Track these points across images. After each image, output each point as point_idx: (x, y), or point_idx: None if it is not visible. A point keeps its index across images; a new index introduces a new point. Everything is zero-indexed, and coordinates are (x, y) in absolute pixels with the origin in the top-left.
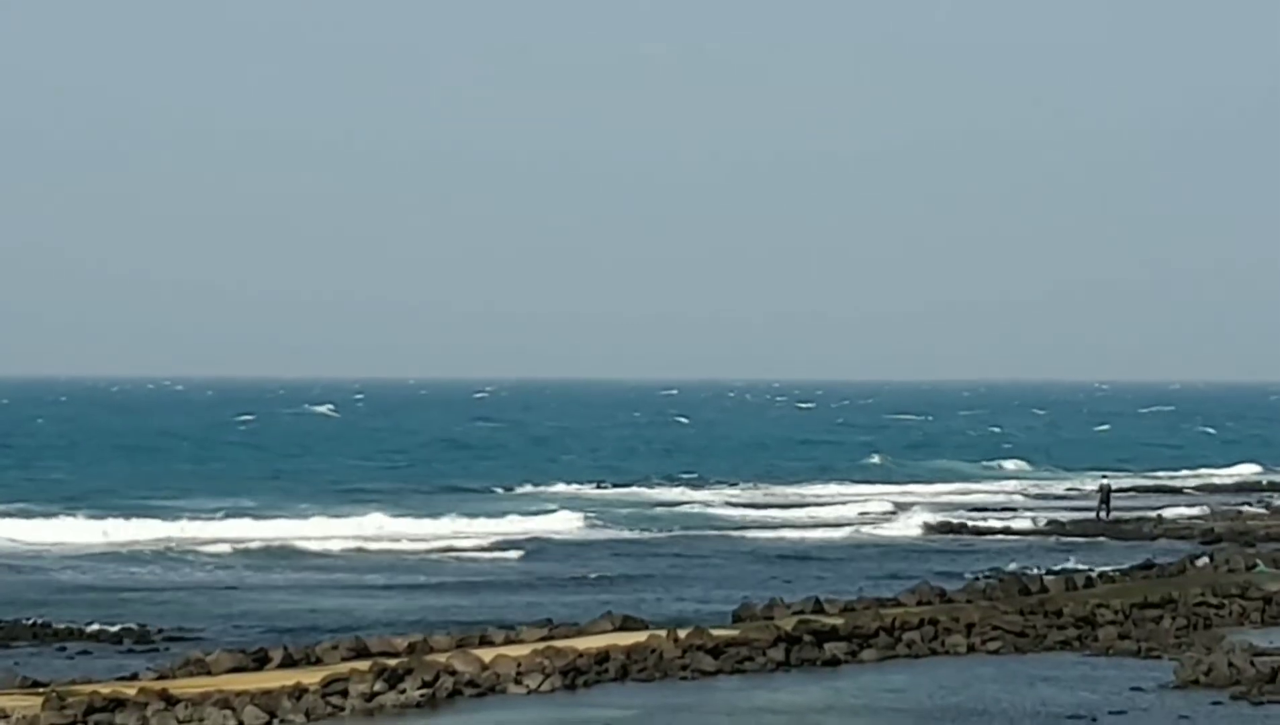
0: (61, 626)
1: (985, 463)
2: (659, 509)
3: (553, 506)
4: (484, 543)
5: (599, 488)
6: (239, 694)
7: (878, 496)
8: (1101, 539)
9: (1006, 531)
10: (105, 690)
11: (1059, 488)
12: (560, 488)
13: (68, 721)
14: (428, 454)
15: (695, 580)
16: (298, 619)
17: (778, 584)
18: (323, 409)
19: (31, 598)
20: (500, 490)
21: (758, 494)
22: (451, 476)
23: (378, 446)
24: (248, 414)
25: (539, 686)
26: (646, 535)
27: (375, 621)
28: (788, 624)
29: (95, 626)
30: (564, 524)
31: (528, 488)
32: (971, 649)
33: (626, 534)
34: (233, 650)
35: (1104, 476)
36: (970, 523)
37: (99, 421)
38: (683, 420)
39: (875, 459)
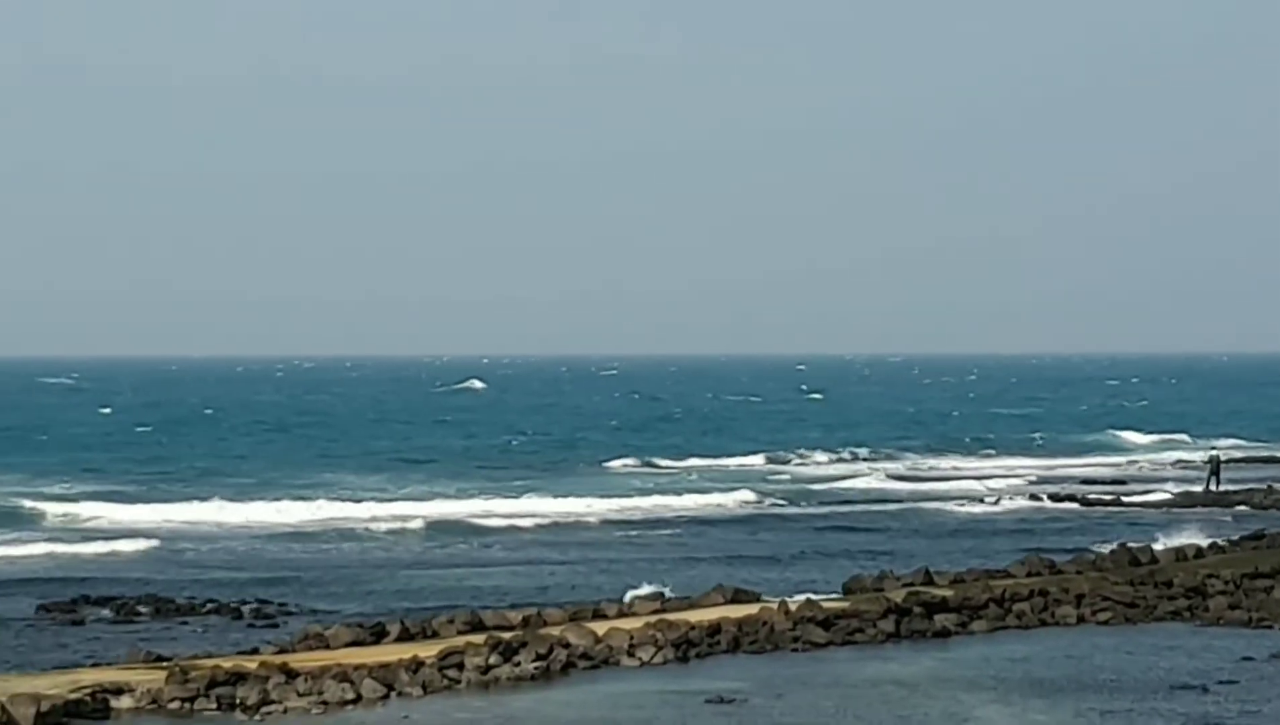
0: (183, 601)
1: (1115, 432)
2: (828, 484)
3: (725, 483)
4: (646, 517)
5: (768, 461)
6: (357, 667)
7: (1018, 471)
8: (1210, 509)
9: (1133, 503)
10: (227, 664)
11: (1176, 458)
12: (727, 461)
13: (190, 695)
14: (588, 428)
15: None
16: (424, 593)
17: (959, 557)
18: (477, 385)
19: (184, 577)
20: (666, 464)
21: (919, 466)
22: (609, 451)
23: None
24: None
25: (651, 659)
26: (826, 509)
27: (492, 594)
28: (898, 596)
29: (217, 602)
30: (733, 499)
31: (694, 461)
32: (1081, 620)
33: (805, 509)
34: (351, 624)
35: (1213, 448)
36: (1090, 495)
37: (259, 402)
38: (816, 395)
39: (1037, 437)
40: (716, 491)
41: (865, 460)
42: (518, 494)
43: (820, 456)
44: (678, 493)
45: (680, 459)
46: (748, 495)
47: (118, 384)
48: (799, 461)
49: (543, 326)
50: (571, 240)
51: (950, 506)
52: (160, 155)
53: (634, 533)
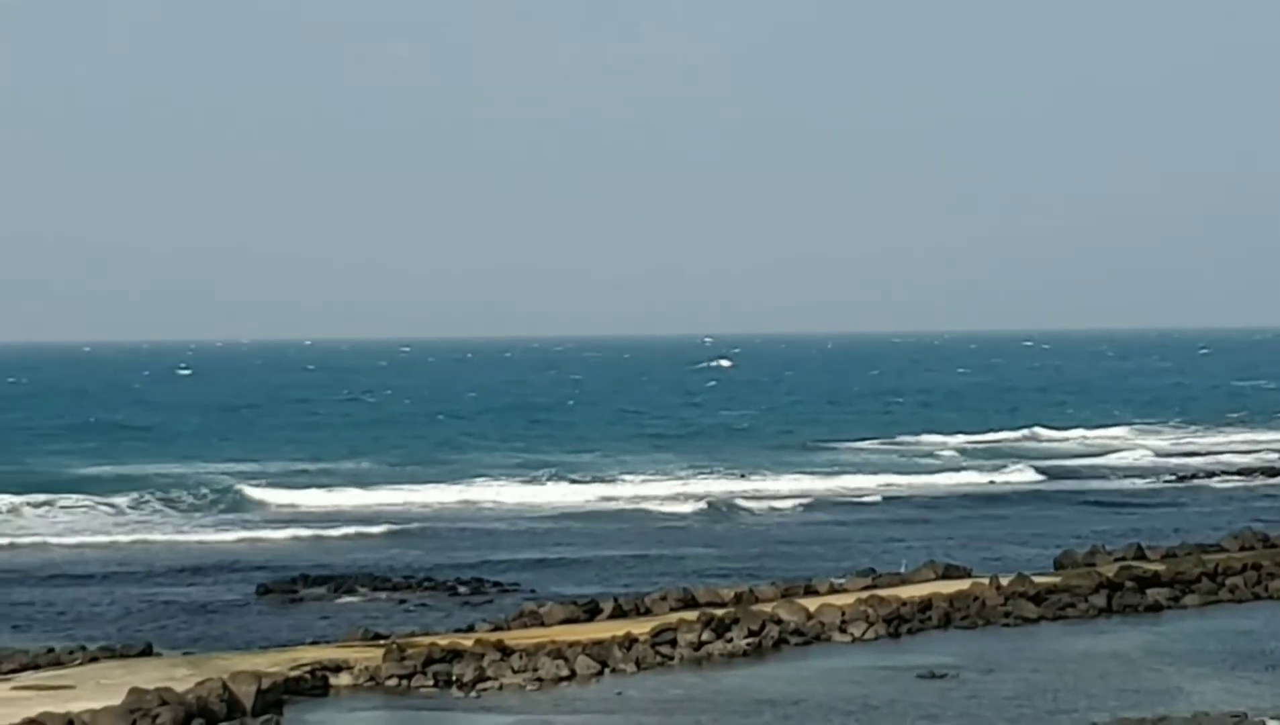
0: (399, 580)
1: None
2: (1098, 459)
3: (995, 459)
4: (918, 494)
5: (1026, 437)
6: (571, 644)
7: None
8: None
9: None
10: (443, 642)
11: None
12: (987, 437)
13: (407, 672)
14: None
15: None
16: (629, 571)
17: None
18: (725, 363)
19: (406, 557)
20: (914, 440)
21: (1181, 440)
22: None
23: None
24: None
25: (863, 635)
26: (1105, 485)
27: (703, 573)
28: (1109, 570)
29: (434, 580)
30: (1008, 477)
31: (957, 438)
32: None
33: (1085, 484)
34: (565, 602)
35: None
36: None
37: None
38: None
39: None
40: (986, 469)
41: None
42: (778, 472)
43: (1080, 432)
44: (955, 469)
45: (916, 435)
46: (1028, 473)
47: (371, 368)
48: (1058, 436)
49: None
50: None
51: (1213, 483)
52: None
53: (921, 510)
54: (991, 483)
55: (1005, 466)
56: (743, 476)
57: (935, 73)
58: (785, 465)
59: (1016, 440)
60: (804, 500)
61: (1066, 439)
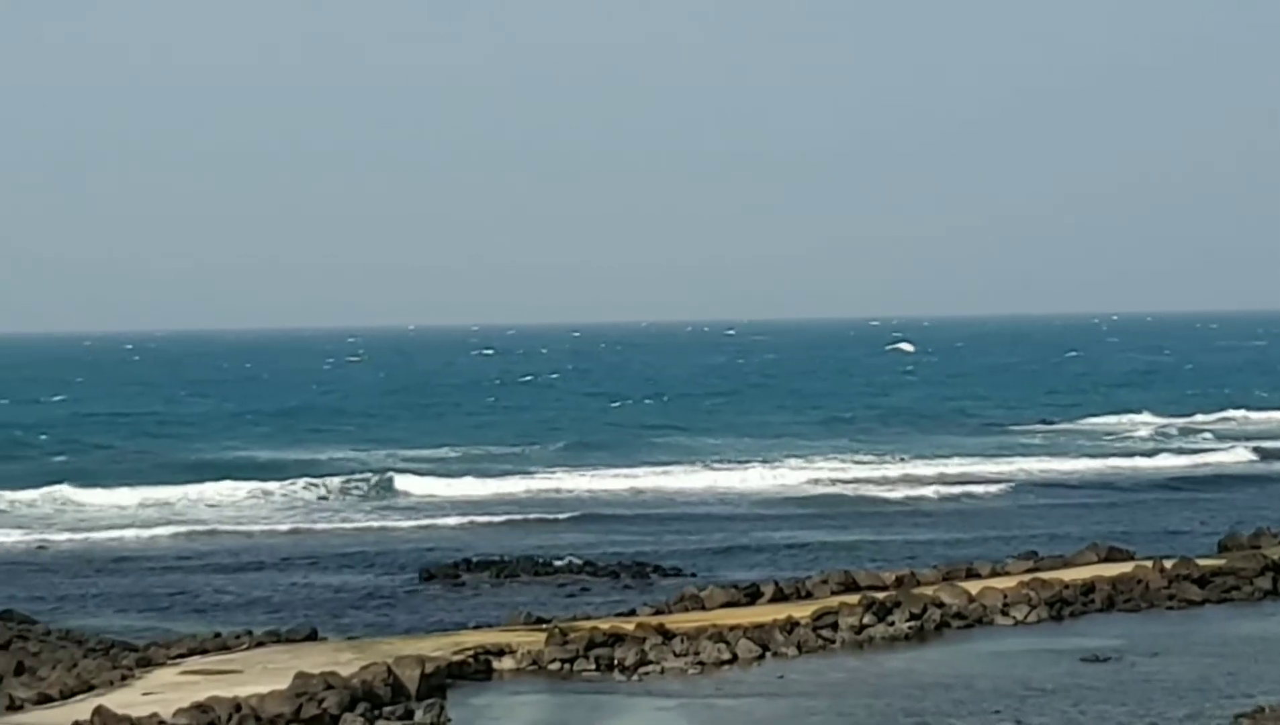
0: (561, 564)
1: None
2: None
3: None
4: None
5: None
6: (732, 628)
7: None
8: None
9: None
10: (605, 626)
11: None
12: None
13: (569, 656)
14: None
15: None
16: (793, 555)
17: None
18: (907, 347)
19: (560, 542)
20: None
21: None
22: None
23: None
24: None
25: (1025, 618)
26: None
27: (863, 557)
28: (1275, 553)
29: (595, 565)
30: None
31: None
32: None
33: None
34: (725, 586)
35: None
36: None
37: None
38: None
39: None
40: (1190, 451)
41: None
42: (980, 455)
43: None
44: (1160, 451)
45: (1074, 421)
46: (1242, 454)
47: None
48: (1260, 417)
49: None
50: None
51: None
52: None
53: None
54: (1204, 463)
55: (1216, 447)
56: (942, 460)
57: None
58: (984, 449)
59: (1212, 423)
60: (1007, 485)
61: (1270, 420)
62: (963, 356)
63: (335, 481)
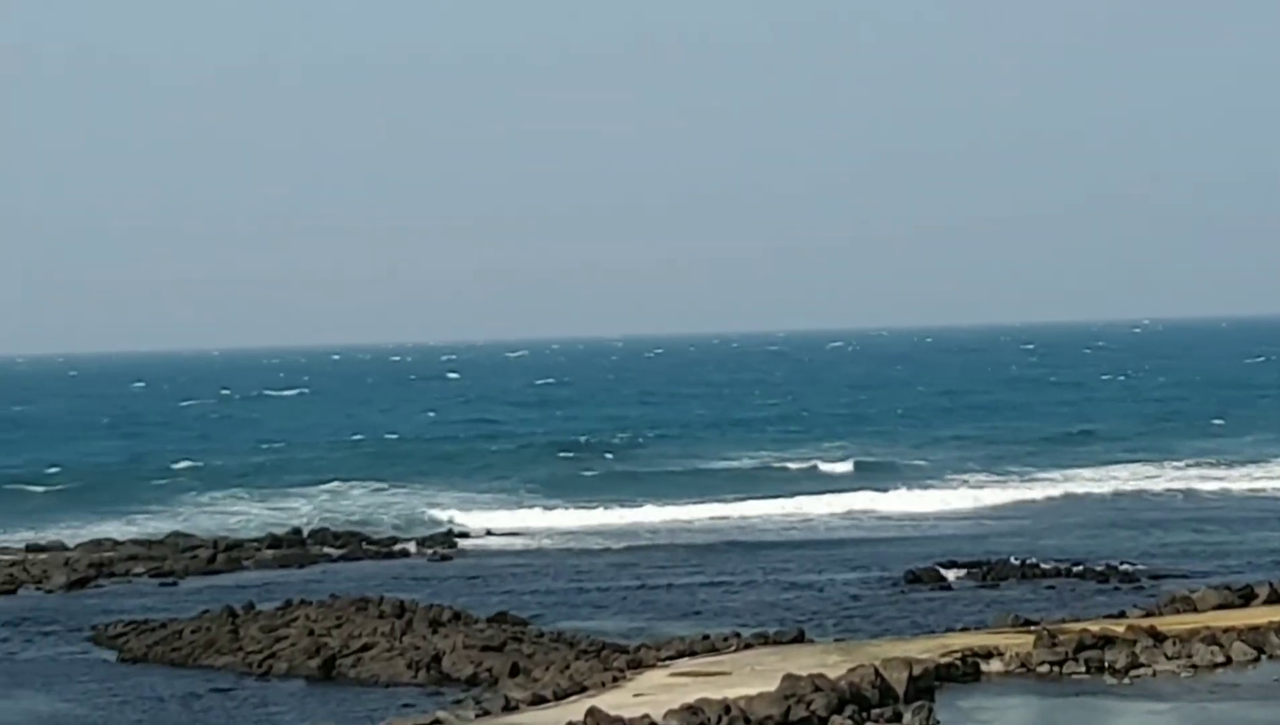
0: (1048, 566)
1: None
2: None
3: None
4: None
5: None
6: (1225, 630)
7: None
8: None
9: None
10: (1094, 628)
11: None
12: None
13: (1058, 658)
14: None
15: None
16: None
17: None
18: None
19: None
20: None
21: None
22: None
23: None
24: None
25: None
26: None
27: None
28: None
29: (1083, 565)
30: None
31: None
32: None
33: None
34: (1218, 588)
35: None
36: None
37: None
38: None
39: None
40: None
41: None
42: None
43: None
44: None
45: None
46: None
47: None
48: None
49: None
50: None
51: None
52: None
53: None
54: None
55: None
56: None
57: None
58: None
59: None
60: None
61: None
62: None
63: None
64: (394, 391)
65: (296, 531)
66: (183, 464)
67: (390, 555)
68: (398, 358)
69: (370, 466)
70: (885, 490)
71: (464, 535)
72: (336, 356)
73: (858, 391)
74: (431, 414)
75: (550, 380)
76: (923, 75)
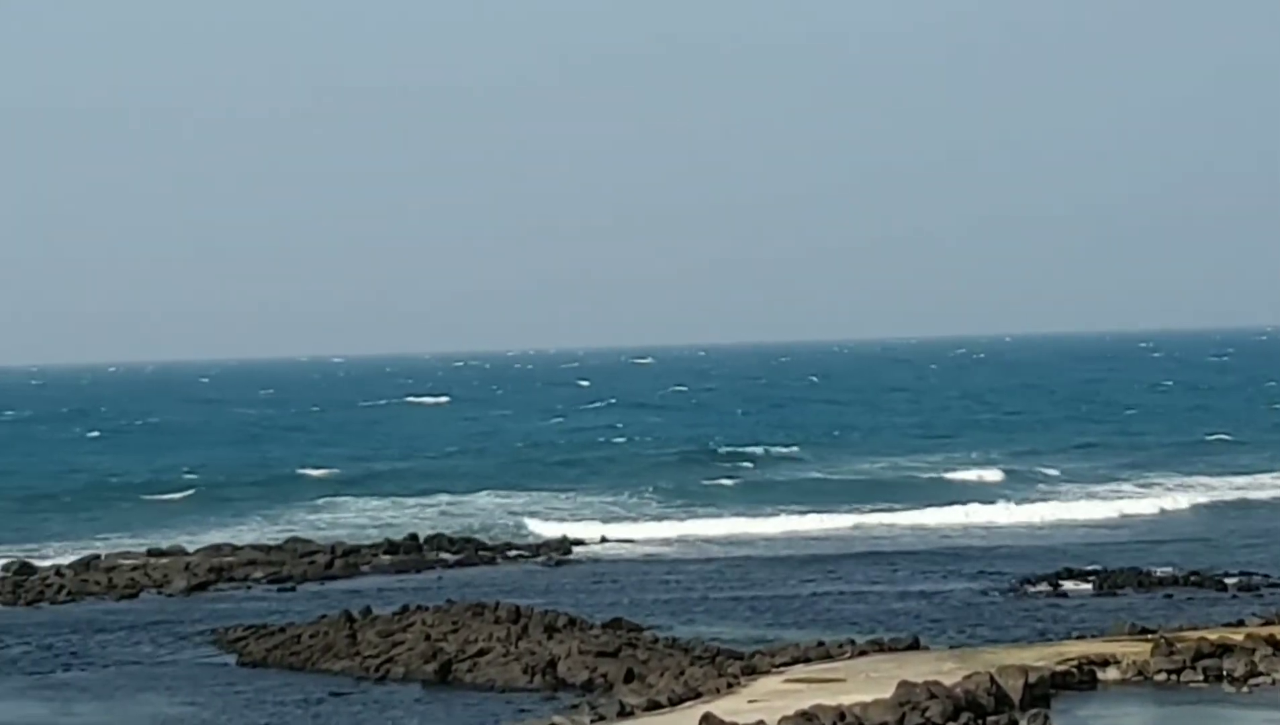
0: (1167, 574)
1: None
2: None
3: None
4: None
5: None
6: None
7: None
8: None
9: None
10: (1212, 636)
11: None
12: None
13: (1175, 667)
14: None
15: None
16: None
17: None
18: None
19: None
20: None
21: None
22: None
23: None
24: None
25: None
26: None
27: None
28: None
29: (1200, 574)
30: None
31: None
32: None
33: None
34: None
35: None
36: None
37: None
38: None
39: None
40: None
41: None
42: None
43: None
44: None
45: None
46: None
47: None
48: None
49: None
50: None
51: None
52: None
53: None
54: None
55: None
56: None
57: None
58: None
59: None
60: None
61: None
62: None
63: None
64: (521, 398)
65: (413, 537)
66: (308, 471)
67: (507, 561)
68: (519, 365)
69: (493, 473)
70: (1010, 499)
71: (579, 543)
72: (459, 363)
73: (987, 399)
74: (559, 420)
75: (683, 387)
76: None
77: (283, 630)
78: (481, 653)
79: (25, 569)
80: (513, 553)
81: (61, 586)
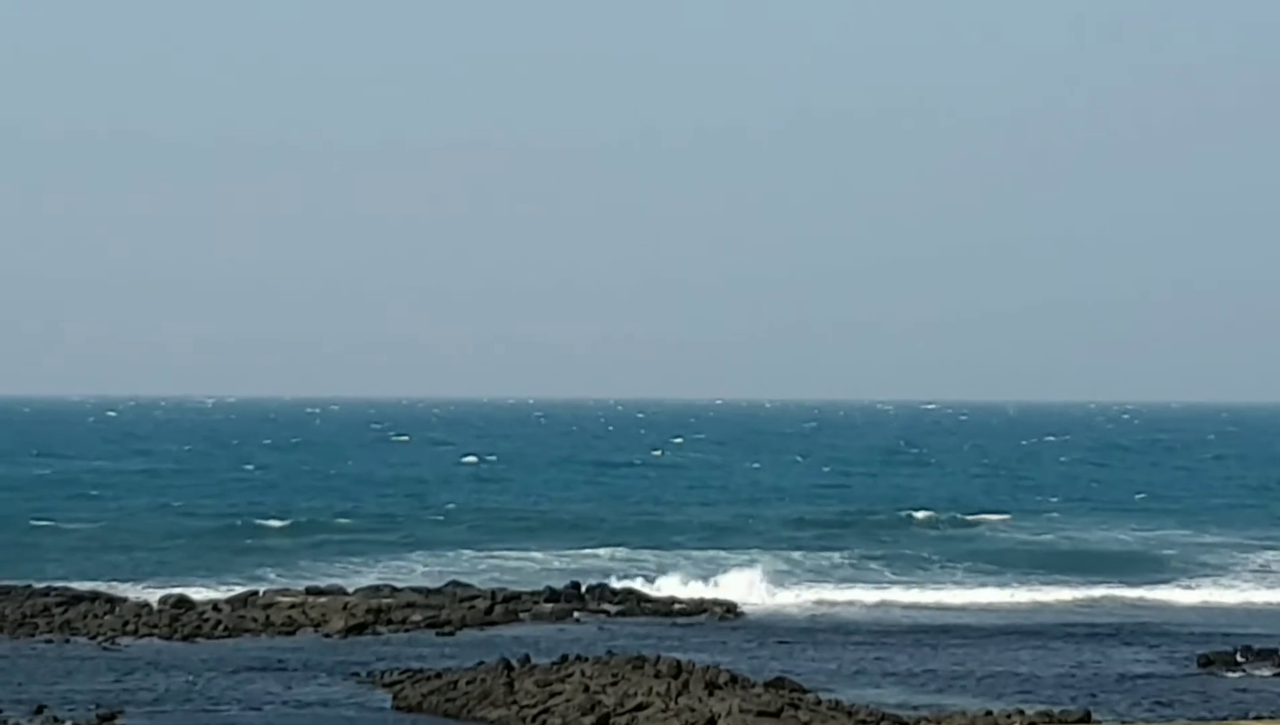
0: None
1: None
2: None
3: None
4: None
5: None
6: None
7: None
8: None
9: None
10: None
11: None
12: None
13: None
14: None
15: None
16: None
17: None
18: None
19: None
20: None
21: None
22: None
23: None
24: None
25: None
26: None
27: None
28: None
29: None
30: None
31: None
32: None
33: None
34: None
35: None
36: None
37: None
38: None
39: None
40: None
41: None
42: None
43: None
44: None
45: None
46: None
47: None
48: None
49: None
50: None
51: None
52: None
53: None
54: None
55: None
56: None
57: None
58: None
59: None
60: None
61: None
62: None
63: None
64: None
65: (575, 585)
66: (461, 509)
67: (670, 613)
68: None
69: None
70: (1192, 576)
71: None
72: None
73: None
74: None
75: (914, 450)
76: None
77: (439, 675)
78: (640, 707)
79: (183, 603)
80: (677, 607)
81: (219, 622)
